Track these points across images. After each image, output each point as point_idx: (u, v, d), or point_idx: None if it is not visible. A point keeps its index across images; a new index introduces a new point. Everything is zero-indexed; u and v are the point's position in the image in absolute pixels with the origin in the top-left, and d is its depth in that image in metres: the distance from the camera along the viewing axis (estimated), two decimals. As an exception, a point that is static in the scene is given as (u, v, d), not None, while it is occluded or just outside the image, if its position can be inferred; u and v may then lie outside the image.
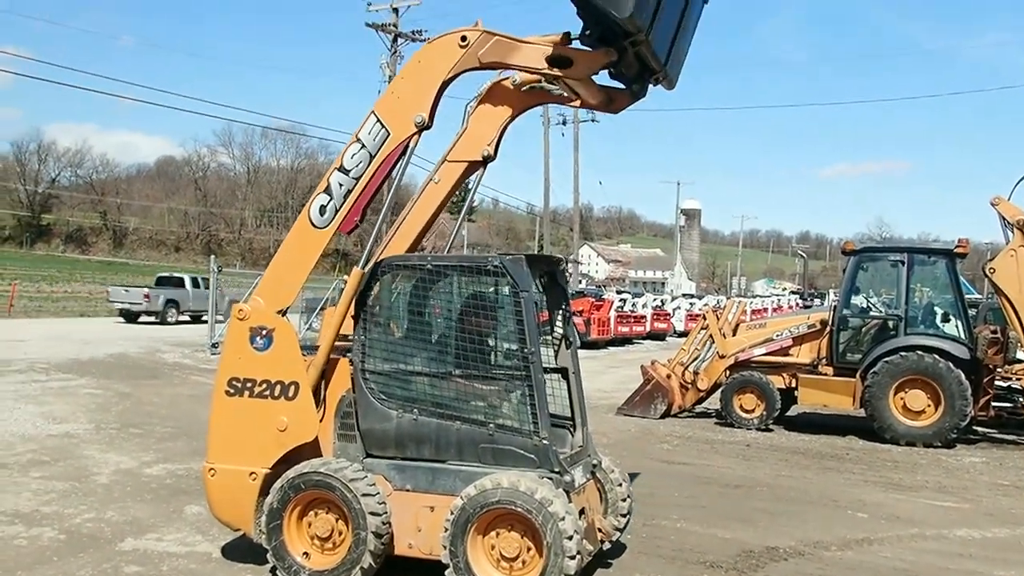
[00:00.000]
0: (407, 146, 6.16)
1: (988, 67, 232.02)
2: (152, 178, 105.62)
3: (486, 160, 6.91)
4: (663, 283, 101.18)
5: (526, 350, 5.80)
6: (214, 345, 22.10)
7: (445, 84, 6.13)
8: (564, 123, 46.41)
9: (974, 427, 13.85)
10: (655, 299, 44.22)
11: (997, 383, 13.66)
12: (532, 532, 5.55)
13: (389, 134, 6.11)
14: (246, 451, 6.19)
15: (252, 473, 6.15)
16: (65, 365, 18.12)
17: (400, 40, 35.21)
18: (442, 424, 5.98)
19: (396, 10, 35.06)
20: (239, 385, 6.22)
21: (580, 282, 61.66)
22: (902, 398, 13.17)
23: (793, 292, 79.55)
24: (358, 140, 6.15)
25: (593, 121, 47.97)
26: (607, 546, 6.61)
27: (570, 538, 5.39)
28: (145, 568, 6.36)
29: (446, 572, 5.61)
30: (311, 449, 6.17)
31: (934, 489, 10.07)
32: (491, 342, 6.05)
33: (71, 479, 8.89)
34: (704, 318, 15.77)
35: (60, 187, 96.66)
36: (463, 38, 6.02)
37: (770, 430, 14.03)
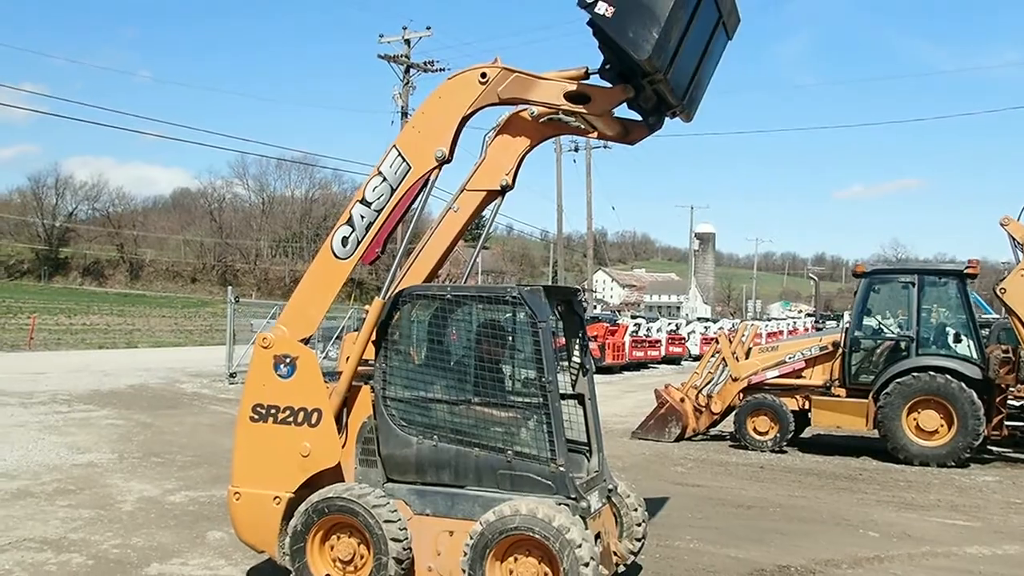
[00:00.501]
0: (428, 180, 6.36)
1: (1005, 85, 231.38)
2: (168, 210, 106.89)
3: (504, 189, 7.10)
4: (678, 307, 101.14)
5: (543, 379, 5.98)
6: (232, 375, 22.39)
7: (465, 119, 6.30)
8: (576, 150, 46.88)
9: (988, 447, 13.90)
10: (670, 323, 44.28)
11: (1010, 402, 13.72)
12: (549, 558, 5.68)
13: (410, 168, 6.29)
14: (270, 476, 6.38)
15: (276, 497, 6.34)
16: (86, 396, 18.41)
17: (412, 71, 35.72)
18: (461, 450, 6.15)
19: (408, 41, 35.62)
20: (263, 412, 6.42)
21: (594, 307, 61.78)
22: (915, 418, 13.27)
23: (809, 315, 79.35)
24: (380, 174, 6.33)
25: (606, 147, 48.24)
26: (621, 569, 6.75)
27: (587, 565, 5.52)
28: (172, 592, 6.55)
29: (464, 595, 5.77)
30: (333, 474, 6.35)
31: (946, 508, 10.15)
32: (509, 371, 6.23)
33: (96, 507, 9.10)
34: (717, 341, 15.92)
35: (77, 221, 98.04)
36: (483, 75, 6.18)
37: (784, 452, 14.12)
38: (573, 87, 6.15)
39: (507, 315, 6.34)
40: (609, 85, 6.12)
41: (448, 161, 6.28)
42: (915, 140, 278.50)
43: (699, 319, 62.52)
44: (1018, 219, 13.96)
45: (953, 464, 12.91)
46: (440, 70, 35.12)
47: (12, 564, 7.06)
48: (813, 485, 11.46)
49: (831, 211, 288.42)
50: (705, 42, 6.34)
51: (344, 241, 6.38)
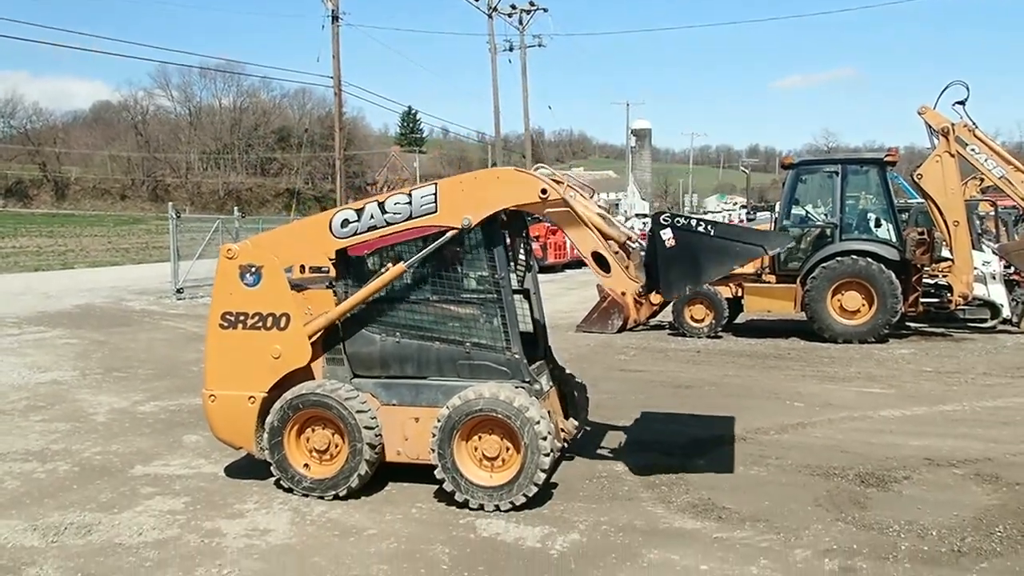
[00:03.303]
0: (444, 232, 6.47)
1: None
2: (89, 125, 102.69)
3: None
4: (617, 204, 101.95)
5: (497, 276, 6.52)
6: (179, 290, 22.50)
7: (506, 211, 6.59)
8: (511, 49, 46.49)
9: (905, 323, 14.96)
10: (608, 221, 44.90)
11: (925, 281, 14.73)
12: (511, 435, 6.33)
13: (435, 212, 6.42)
14: (243, 378, 6.85)
15: (251, 397, 6.83)
16: (34, 318, 18.45)
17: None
18: (423, 345, 6.71)
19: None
20: (232, 319, 6.84)
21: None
22: (839, 300, 14.21)
23: (743, 206, 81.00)
24: (409, 196, 6.46)
25: (540, 46, 48.13)
26: (565, 445, 7.43)
27: (544, 439, 6.19)
28: (159, 488, 7.05)
29: (435, 471, 6.39)
30: (303, 373, 6.86)
31: (864, 379, 11.11)
32: (464, 270, 6.73)
33: (71, 420, 9.48)
34: (654, 236, 16.54)
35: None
36: (544, 191, 6.22)
37: (719, 337, 15.03)
38: (606, 254, 6.39)
39: None
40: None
41: (469, 231, 6.40)
42: (851, 30, 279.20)
43: (637, 215, 63.37)
44: (934, 108, 14.70)
45: (873, 340, 13.93)
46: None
47: (1, 474, 7.47)
48: (746, 365, 12.35)
49: (767, 103, 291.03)
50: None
51: (344, 223, 6.62)
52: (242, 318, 6.83)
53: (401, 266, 6.57)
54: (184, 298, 22.25)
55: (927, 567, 5.18)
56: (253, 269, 6.80)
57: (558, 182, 6.46)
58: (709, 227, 6.08)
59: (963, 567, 5.17)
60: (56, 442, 8.56)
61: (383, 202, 6.55)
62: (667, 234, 6.08)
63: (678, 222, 6.11)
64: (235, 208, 28.79)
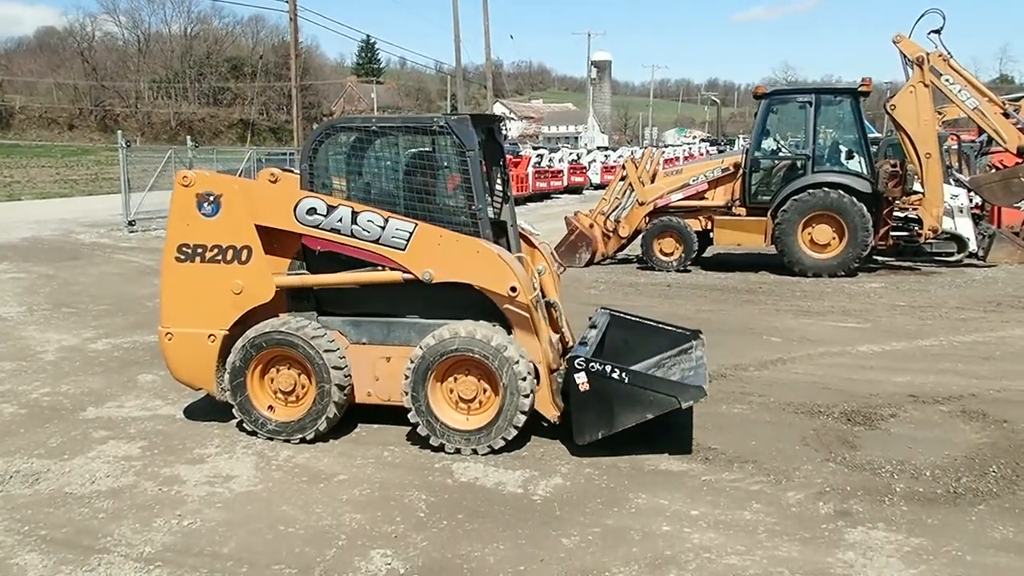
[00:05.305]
0: (405, 272, 6.10)
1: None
2: (33, 52, 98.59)
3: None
4: (576, 137, 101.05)
5: (474, 206, 6.10)
6: (131, 223, 21.70)
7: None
8: (470, -25, 45.08)
9: (875, 256, 14.86)
10: (571, 153, 44.43)
11: (896, 214, 14.59)
12: (488, 376, 6.00)
13: (403, 251, 6.03)
14: (202, 315, 6.42)
15: (211, 335, 6.41)
16: (-22, 252, 17.64)
17: None
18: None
19: None
20: (189, 251, 6.38)
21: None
22: (809, 233, 14.04)
23: (704, 140, 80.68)
24: (386, 221, 6.03)
25: (499, -28, 46.74)
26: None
27: (523, 379, 5.87)
28: (113, 432, 6.64)
29: (408, 415, 6.06)
30: (266, 309, 6.44)
31: (839, 313, 10.96)
32: (438, 200, 6.30)
33: (17, 359, 8.98)
34: (623, 168, 16.22)
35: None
36: (513, 288, 5.94)
37: (688, 271, 14.82)
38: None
39: (434, 144, 6.34)
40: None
41: (428, 283, 6.03)
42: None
43: (598, 148, 62.80)
44: (909, 36, 14.37)
45: (843, 274, 13.82)
46: None
47: (-59, 418, 7.00)
48: (718, 299, 12.14)
49: (727, 36, 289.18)
50: None
51: (311, 212, 6.16)
52: (200, 251, 6.38)
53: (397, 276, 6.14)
54: (136, 231, 21.45)
55: (925, 509, 5.00)
56: (212, 197, 6.32)
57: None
58: (624, 375, 5.78)
59: (962, 508, 5.00)
60: (1, 382, 8.08)
61: (357, 213, 6.08)
62: (581, 378, 5.80)
63: (592, 367, 5.79)
64: (188, 138, 27.79)
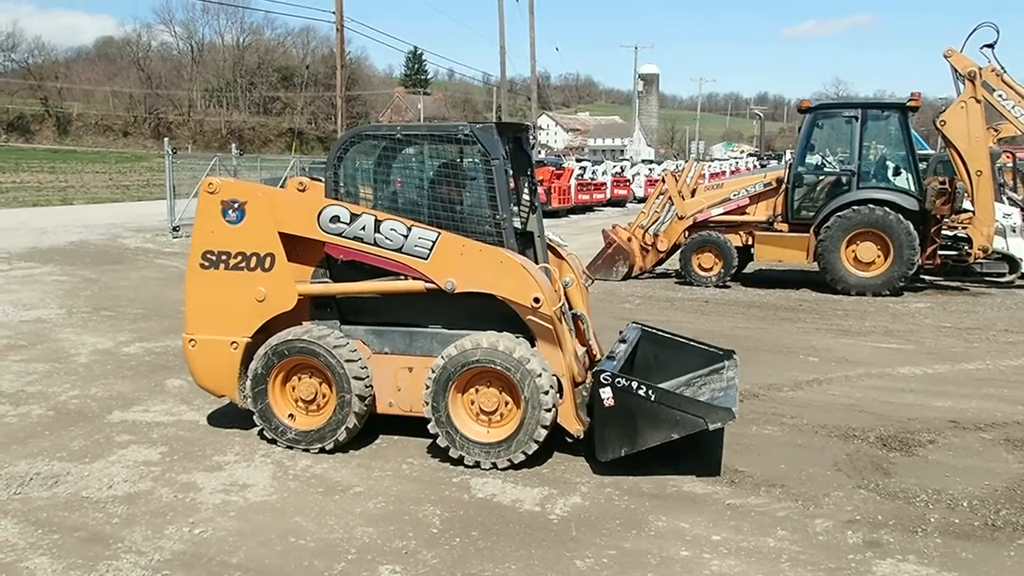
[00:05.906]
0: (428, 281, 6.03)
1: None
2: (92, 61, 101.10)
3: None
4: (622, 150, 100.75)
5: (498, 216, 5.99)
6: (175, 228, 22.00)
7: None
8: (518, -12, 45.20)
9: (921, 275, 14.47)
10: (615, 166, 44.22)
11: (945, 232, 14.19)
12: (510, 388, 5.88)
13: (426, 260, 5.97)
14: (225, 322, 6.40)
15: (233, 342, 6.38)
16: (26, 254, 17.96)
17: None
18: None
19: None
20: (213, 258, 6.37)
21: (540, 152, 61.27)
22: (853, 250, 13.71)
23: (751, 154, 79.83)
24: (409, 230, 5.98)
25: (547, -15, 46.80)
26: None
27: (546, 392, 5.74)
28: (136, 437, 6.64)
29: (428, 426, 5.97)
30: (288, 317, 6.40)
31: (881, 333, 10.64)
32: (463, 209, 6.21)
33: (51, 360, 9.07)
34: (663, 181, 16.02)
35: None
36: (536, 299, 5.86)
37: (727, 287, 14.55)
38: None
39: (460, 153, 6.26)
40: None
41: (451, 292, 5.96)
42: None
43: (643, 161, 62.45)
44: (961, 51, 14.00)
45: (888, 293, 13.46)
46: None
47: (-29, 417, 7.07)
48: (756, 316, 11.88)
49: (778, 50, 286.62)
50: None
51: (334, 220, 6.12)
52: (224, 258, 6.36)
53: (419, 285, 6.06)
54: (180, 236, 21.71)
55: (960, 542, 4.76)
56: (236, 205, 6.30)
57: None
58: (650, 392, 5.62)
59: (999, 543, 4.75)
60: (32, 384, 8.15)
61: (380, 222, 6.02)
62: (606, 393, 5.65)
63: (618, 382, 5.63)
64: (233, 146, 28.11)
